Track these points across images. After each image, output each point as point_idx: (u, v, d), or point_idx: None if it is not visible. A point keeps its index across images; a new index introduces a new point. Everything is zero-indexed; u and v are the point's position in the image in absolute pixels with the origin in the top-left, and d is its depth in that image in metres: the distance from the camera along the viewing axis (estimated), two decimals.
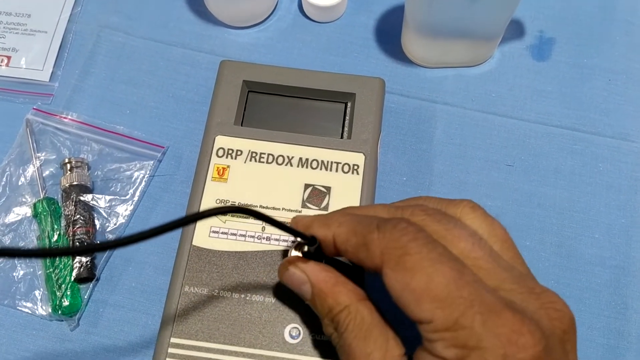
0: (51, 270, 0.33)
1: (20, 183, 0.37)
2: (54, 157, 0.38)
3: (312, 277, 0.26)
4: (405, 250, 0.22)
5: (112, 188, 0.37)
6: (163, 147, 0.38)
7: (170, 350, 0.29)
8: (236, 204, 0.33)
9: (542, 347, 0.20)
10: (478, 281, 0.22)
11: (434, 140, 0.39)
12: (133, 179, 0.37)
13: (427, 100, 0.40)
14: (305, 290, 0.27)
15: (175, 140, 0.39)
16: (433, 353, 0.22)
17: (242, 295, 0.31)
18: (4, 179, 0.37)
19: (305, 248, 0.28)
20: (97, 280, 0.34)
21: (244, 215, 0.33)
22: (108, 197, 0.36)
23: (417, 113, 0.40)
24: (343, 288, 0.25)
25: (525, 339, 0.20)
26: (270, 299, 0.31)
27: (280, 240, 0.32)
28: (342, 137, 0.35)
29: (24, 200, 0.36)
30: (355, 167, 0.34)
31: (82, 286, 0.34)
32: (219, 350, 0.29)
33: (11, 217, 0.36)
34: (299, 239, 0.28)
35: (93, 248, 0.22)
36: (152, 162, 0.38)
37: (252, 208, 0.32)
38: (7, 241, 0.35)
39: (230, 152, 0.34)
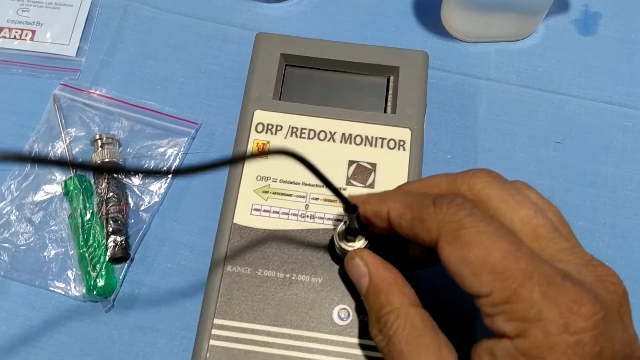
0: (85, 249, 0.32)
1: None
2: (83, 133, 0.36)
3: (373, 271, 0.26)
4: (462, 224, 0.22)
5: (145, 165, 0.35)
6: (196, 124, 0.37)
7: (214, 331, 0.28)
8: (277, 180, 0.32)
9: (602, 315, 0.20)
10: (535, 254, 0.22)
11: (478, 117, 0.37)
12: (166, 156, 0.36)
13: (470, 76, 0.38)
14: (363, 284, 0.26)
15: (208, 117, 0.37)
16: (492, 329, 0.21)
17: (287, 275, 0.29)
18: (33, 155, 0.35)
19: (350, 225, 0.27)
20: (132, 260, 0.33)
21: (286, 193, 0.31)
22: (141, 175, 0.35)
23: (459, 89, 0.38)
24: (398, 289, 0.25)
25: (586, 308, 0.20)
26: (317, 279, 0.29)
27: (325, 218, 0.31)
28: (385, 112, 0.34)
29: (53, 177, 0.35)
30: (402, 143, 0.32)
31: (116, 267, 0.33)
32: (264, 331, 0.28)
33: (41, 195, 0.34)
34: (344, 220, 0.27)
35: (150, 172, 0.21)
36: (185, 138, 0.36)
37: (295, 182, 0.31)
38: (37, 220, 0.34)
39: (269, 127, 0.33)
